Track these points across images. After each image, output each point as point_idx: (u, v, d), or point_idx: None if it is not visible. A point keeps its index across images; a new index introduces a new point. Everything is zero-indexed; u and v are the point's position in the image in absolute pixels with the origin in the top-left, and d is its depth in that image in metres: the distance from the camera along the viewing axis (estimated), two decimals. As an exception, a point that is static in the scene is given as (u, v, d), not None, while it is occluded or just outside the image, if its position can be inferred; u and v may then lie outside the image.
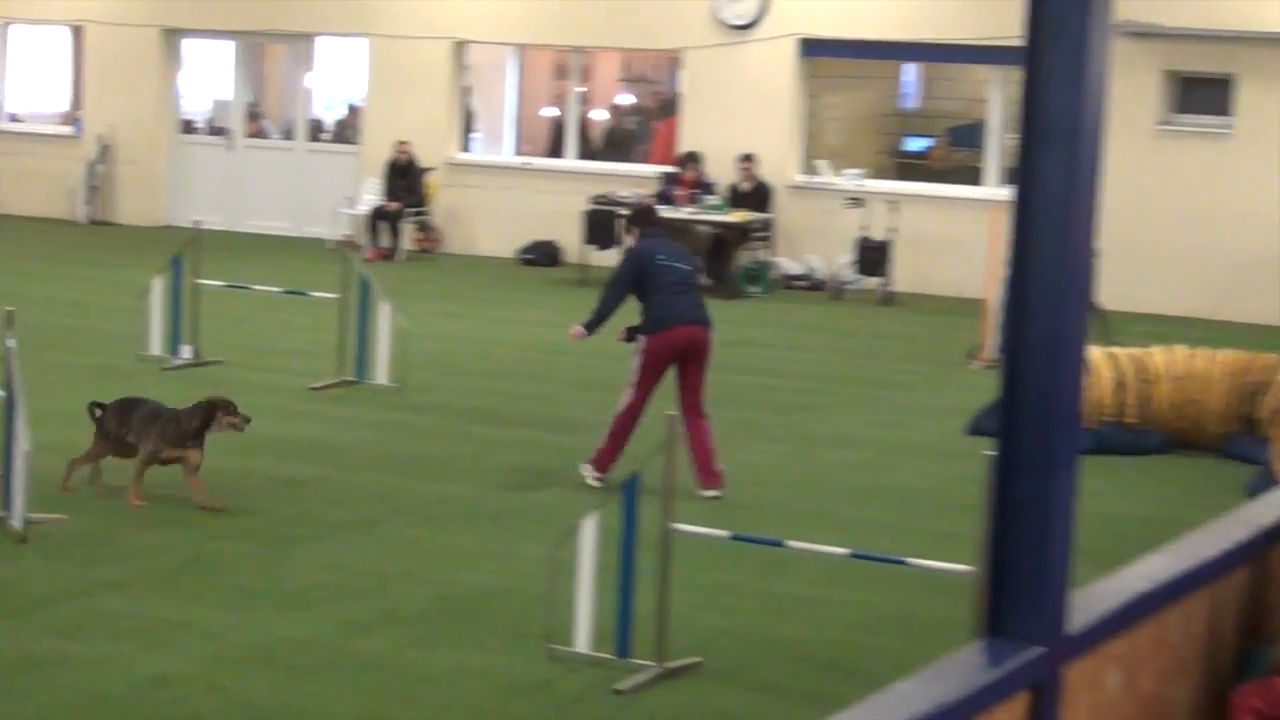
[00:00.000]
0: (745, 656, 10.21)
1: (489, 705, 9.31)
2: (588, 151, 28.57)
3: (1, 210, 30.49)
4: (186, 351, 17.72)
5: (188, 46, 30.50)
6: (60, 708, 9.04)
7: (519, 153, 28.73)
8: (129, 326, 18.12)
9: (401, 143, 27.21)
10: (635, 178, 26.68)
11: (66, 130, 31.02)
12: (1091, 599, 6.86)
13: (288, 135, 30.18)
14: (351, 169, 28.70)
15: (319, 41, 29.66)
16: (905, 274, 24.60)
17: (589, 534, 9.82)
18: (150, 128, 29.92)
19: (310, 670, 9.70)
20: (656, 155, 28.22)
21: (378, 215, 27.22)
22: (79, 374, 16.78)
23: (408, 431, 15.45)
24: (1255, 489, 13.23)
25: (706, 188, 25.28)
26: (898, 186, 25.93)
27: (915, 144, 28.52)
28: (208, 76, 30.93)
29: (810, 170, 26.37)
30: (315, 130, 30.24)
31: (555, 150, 28.63)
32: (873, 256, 24.56)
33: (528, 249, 27.20)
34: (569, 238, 26.36)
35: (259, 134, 30.34)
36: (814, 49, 26.17)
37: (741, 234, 24.87)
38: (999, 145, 25.75)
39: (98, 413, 12.99)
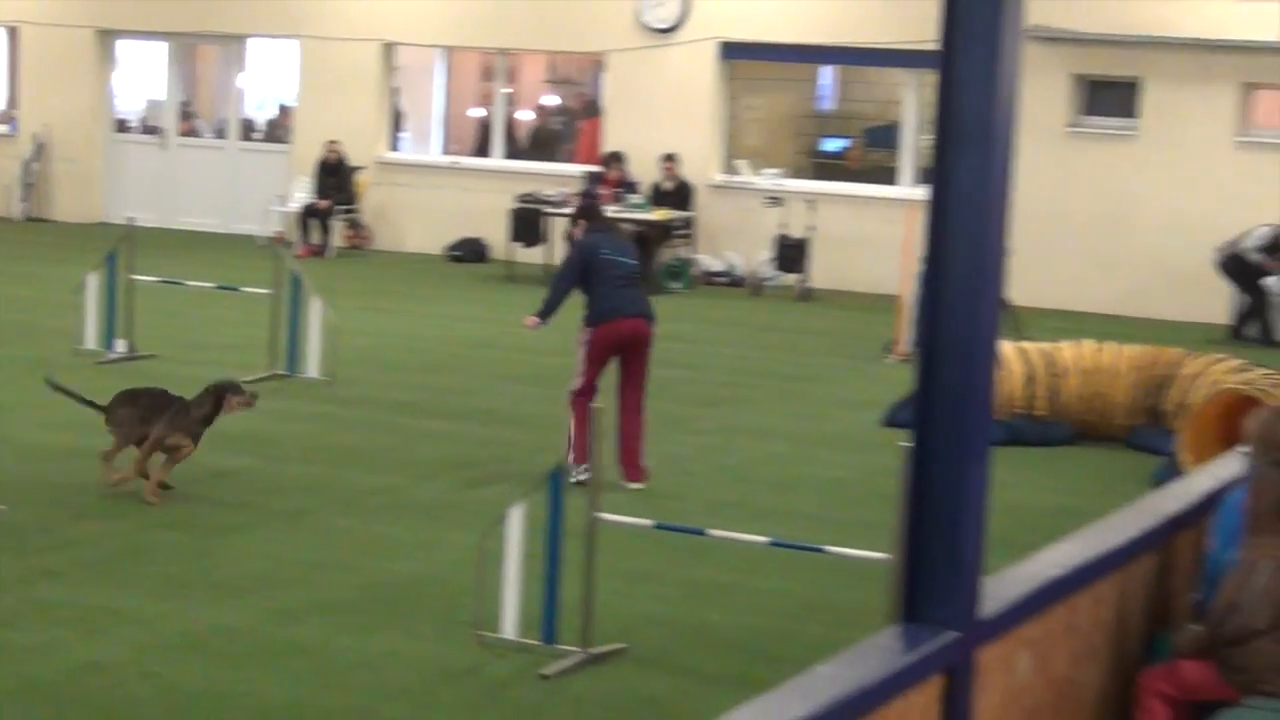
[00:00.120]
0: (669, 642, 10.22)
1: (419, 691, 9.29)
2: (514, 151, 28.53)
3: (-62, 207, 30.27)
4: (121, 345, 17.63)
5: (122, 47, 30.31)
6: (-2, 694, 9.01)
7: (446, 152, 28.68)
8: (65, 321, 18.00)
9: (332, 142, 27.11)
10: (560, 177, 26.65)
11: (2, 129, 30.77)
12: (1003, 585, 6.89)
13: (220, 134, 30.04)
14: (282, 167, 28.59)
15: (250, 43, 29.53)
16: (822, 271, 24.66)
17: (516, 523, 9.81)
18: (85, 126, 29.72)
19: (242, 657, 9.66)
20: (581, 155, 28.21)
21: (308, 213, 27.13)
22: (16, 368, 16.65)
23: (338, 424, 15.41)
24: (1160, 479, 13.32)
25: (630, 187, 25.28)
26: (815, 186, 25.98)
27: (832, 145, 28.57)
28: (141, 76, 30.75)
29: (730, 170, 26.40)
30: (247, 129, 30.10)
31: (482, 150, 28.60)
32: (791, 254, 24.61)
33: (455, 246, 27.15)
34: (496, 235, 26.33)
35: (192, 133, 30.19)
36: (734, 52, 26.20)
37: (664, 232, 24.88)
38: (913, 146, 25.84)
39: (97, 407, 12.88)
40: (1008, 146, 6.10)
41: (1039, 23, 22.19)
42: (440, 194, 27.66)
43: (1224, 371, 15.19)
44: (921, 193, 23.02)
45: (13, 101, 30.98)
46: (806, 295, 24.33)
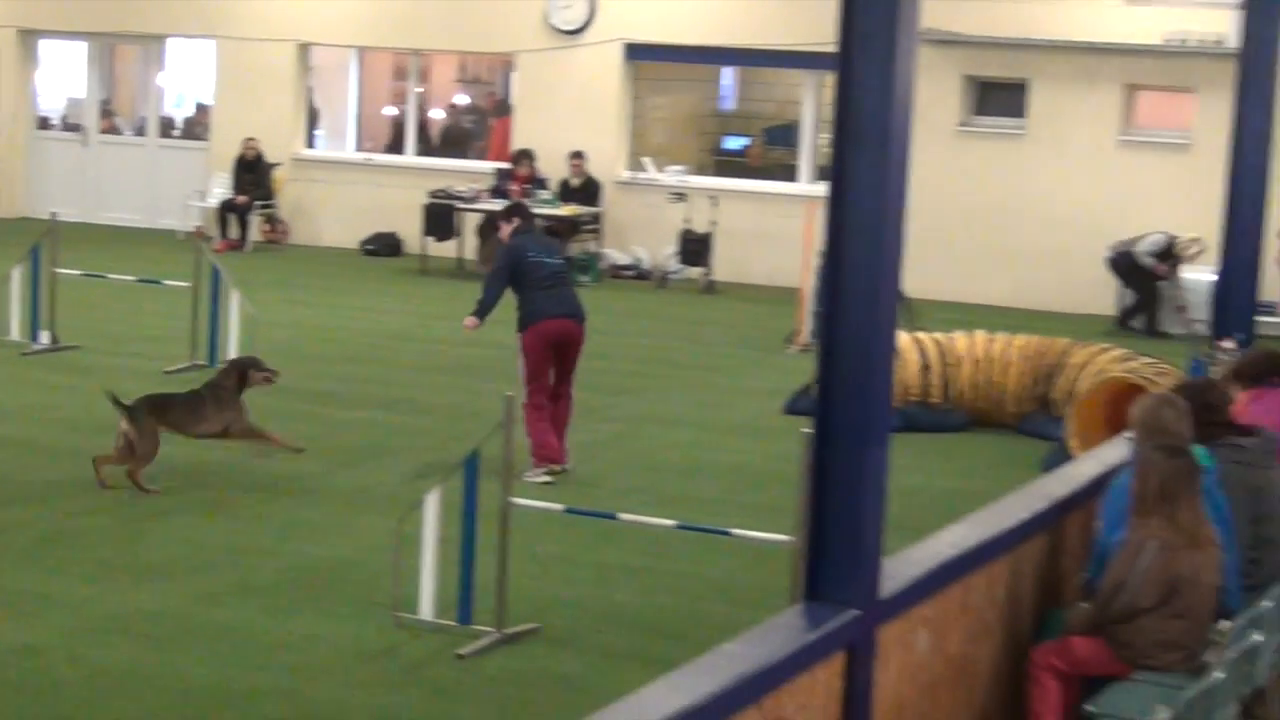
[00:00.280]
0: (580, 622, 10.26)
1: (339, 670, 9.29)
2: (426, 148, 28.44)
3: None
4: (45, 337, 17.51)
5: (44, 47, 30.05)
6: (-72, 677, 8.96)
7: (361, 149, 28.57)
8: (-11, 313, 17.89)
9: (249, 139, 26.96)
10: (471, 173, 26.59)
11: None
12: (901, 566, 6.97)
13: (140, 132, 29.80)
14: (201, 164, 28.39)
15: (169, 43, 29.31)
16: (725, 264, 24.70)
17: (431, 508, 9.83)
18: (7, 124, 29.43)
19: (166, 639, 9.64)
20: (492, 152, 28.16)
21: (227, 208, 26.96)
22: (-59, 359, 16.57)
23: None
24: (1050, 464, 13.43)
25: (539, 183, 25.25)
26: (717, 183, 26.02)
27: (733, 143, 28.62)
28: (63, 75, 30.48)
29: (636, 167, 26.40)
30: (166, 127, 29.88)
31: (396, 147, 28.50)
32: (695, 248, 24.66)
33: (370, 240, 27.05)
34: (409, 229, 26.24)
35: (112, 130, 29.93)
36: (638, 53, 26.20)
37: (572, 226, 24.87)
38: (811, 144, 25.91)
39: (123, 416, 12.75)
40: (903, 145, 6.17)
41: (932, 26, 22.28)
42: (355, 190, 27.55)
43: (1109, 361, 15.33)
44: (820, 189, 23.10)
45: (-64, 99, 30.69)
46: (710, 288, 24.38)
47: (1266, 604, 7.28)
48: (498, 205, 24.63)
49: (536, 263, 13.50)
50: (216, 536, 11.58)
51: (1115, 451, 9.55)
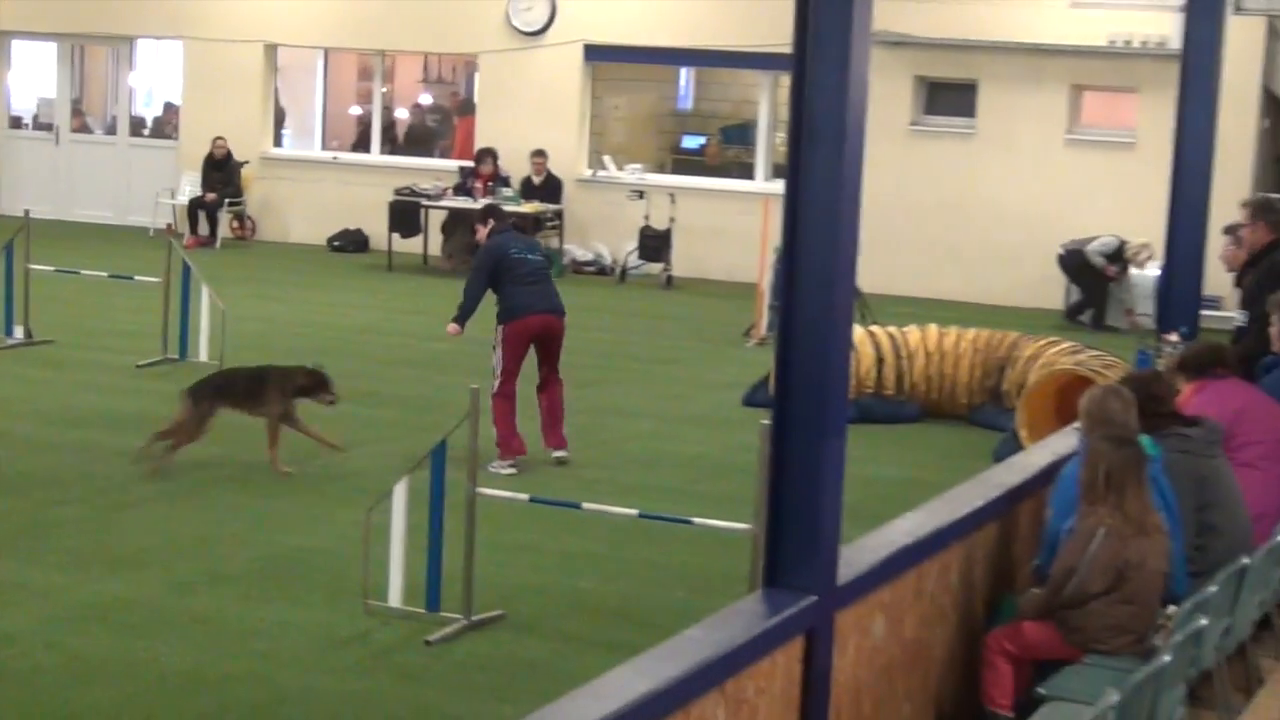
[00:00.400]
0: (545, 609, 10.27)
1: (310, 656, 9.30)
2: (392, 147, 28.41)
3: None
4: (19, 332, 17.47)
5: (15, 47, 29.93)
6: (-93, 665, 8.94)
7: (327, 148, 28.52)
8: (-37, 309, 17.82)
9: (217, 138, 26.88)
10: (436, 171, 26.57)
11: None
12: (858, 553, 7.00)
13: (110, 131, 29.69)
14: (171, 162, 28.30)
15: (138, 43, 29.22)
16: (684, 260, 24.72)
17: (400, 498, 9.84)
18: (-20, 124, 29.34)
19: (141, 627, 9.63)
20: (456, 151, 28.14)
21: (196, 205, 26.88)
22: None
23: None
24: (1001, 454, 13.49)
25: (502, 181, 25.24)
26: (676, 180, 26.04)
27: (691, 142, 28.61)
28: (34, 75, 30.35)
29: (596, 165, 26.40)
30: (136, 126, 29.78)
31: (361, 146, 28.45)
32: (654, 244, 24.68)
33: (336, 237, 27.00)
34: (375, 226, 26.20)
35: (83, 129, 29.80)
36: (598, 54, 26.20)
37: (535, 223, 24.83)
38: (767, 143, 25.95)
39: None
40: (858, 144, 6.19)
41: (884, 28, 22.35)
42: (322, 188, 27.49)
43: (1058, 354, 15.39)
44: (775, 187, 23.14)
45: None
46: (669, 283, 24.39)
47: (1212, 589, 7.32)
48: (462, 202, 24.85)
49: (520, 259, 13.52)
50: (190, 526, 11.57)
51: (1064, 441, 9.60)
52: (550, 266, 13.96)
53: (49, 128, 29.65)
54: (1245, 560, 7.80)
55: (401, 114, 29.89)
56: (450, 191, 25.36)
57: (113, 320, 19.22)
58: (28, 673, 8.92)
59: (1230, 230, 11.95)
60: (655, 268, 24.74)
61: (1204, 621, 6.99)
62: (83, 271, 19.18)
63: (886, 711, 7.26)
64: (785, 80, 24.07)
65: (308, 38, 27.66)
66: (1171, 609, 7.72)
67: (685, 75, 29.28)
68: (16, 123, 30.15)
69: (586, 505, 10.59)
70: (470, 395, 9.67)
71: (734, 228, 24.56)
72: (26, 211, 18.54)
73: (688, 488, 13.16)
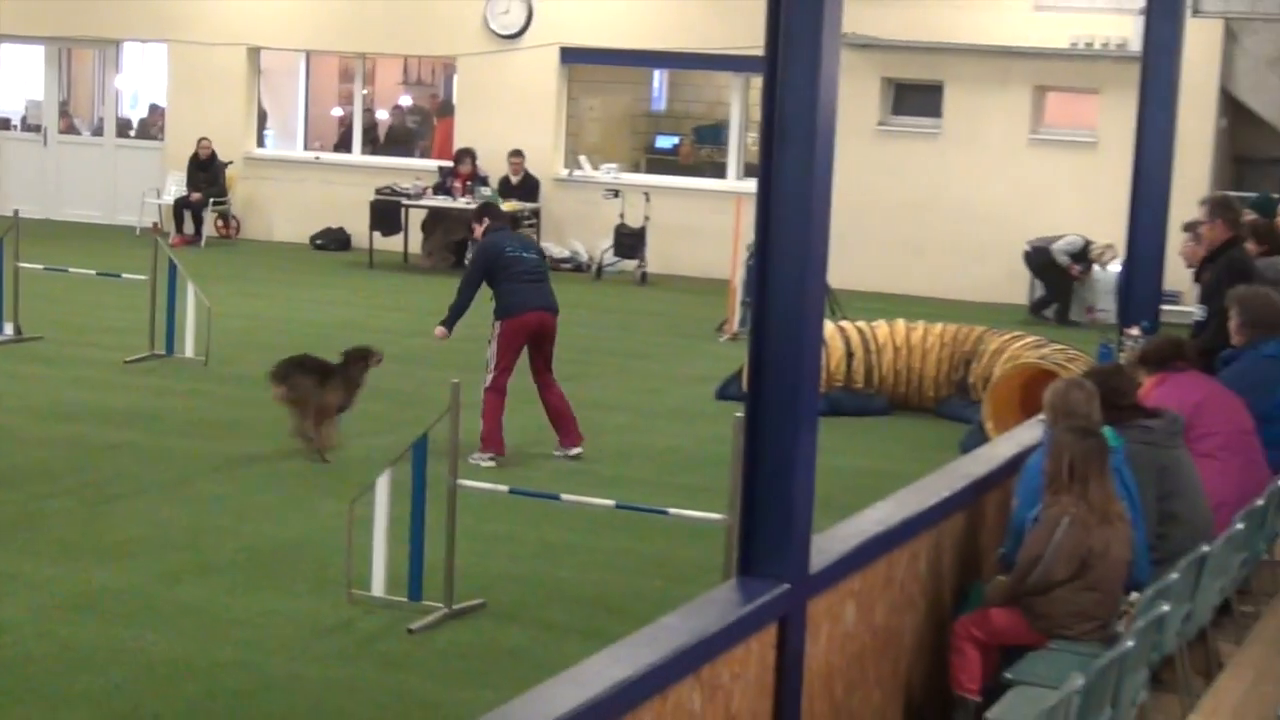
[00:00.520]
0: (524, 597, 10.27)
1: (295, 644, 9.29)
2: (373, 147, 28.38)
3: None
4: (9, 328, 17.43)
5: (3, 50, 29.85)
6: (-99, 654, 8.91)
7: (309, 148, 28.48)
8: (-46, 307, 17.76)
9: (202, 139, 26.83)
10: (416, 171, 26.55)
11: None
12: (830, 542, 7.01)
13: (97, 132, 29.61)
14: (156, 163, 28.24)
15: (124, 46, 29.15)
16: (658, 257, 24.73)
17: (383, 490, 9.83)
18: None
19: (131, 616, 9.61)
20: (435, 151, 28.11)
21: (182, 205, 26.82)
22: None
23: (214, 400, 15.31)
24: (967, 445, 13.51)
25: (480, 180, 25.22)
26: (650, 179, 26.05)
27: (665, 142, 28.64)
28: (22, 78, 30.27)
29: (572, 165, 26.38)
30: (123, 127, 29.70)
31: (343, 146, 28.41)
32: (629, 242, 24.68)
33: (319, 235, 26.96)
34: (357, 225, 26.17)
35: (71, 130, 29.71)
36: (574, 57, 26.19)
37: (513, 222, 24.74)
38: (738, 143, 25.95)
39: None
40: (828, 143, 6.19)
41: (853, 31, 22.37)
42: (304, 187, 27.45)
43: (1023, 348, 15.42)
44: (747, 185, 23.16)
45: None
46: (644, 280, 24.39)
47: (1173, 576, 7.34)
48: (441, 201, 24.84)
49: (515, 257, 13.47)
50: (177, 518, 11.55)
51: (1029, 433, 9.62)
52: (545, 264, 13.85)
53: (37, 129, 29.56)
54: (1205, 548, 7.82)
55: (382, 115, 29.85)
56: (430, 191, 25.36)
57: (101, 317, 19.18)
58: (20, 661, 8.90)
59: (1189, 227, 12.00)
60: (630, 265, 24.74)
61: (1165, 608, 7.02)
62: (71, 269, 19.12)
63: (858, 696, 7.28)
64: (756, 82, 24.14)
65: (290, 41, 27.61)
66: (1134, 595, 7.75)
67: (659, 77, 29.30)
68: (5, 124, 30.09)
69: (565, 496, 10.60)
70: (451, 390, 9.67)
71: (707, 226, 24.56)
72: (16, 211, 18.50)
73: (663, 479, 13.17)
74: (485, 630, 9.64)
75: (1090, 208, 22.43)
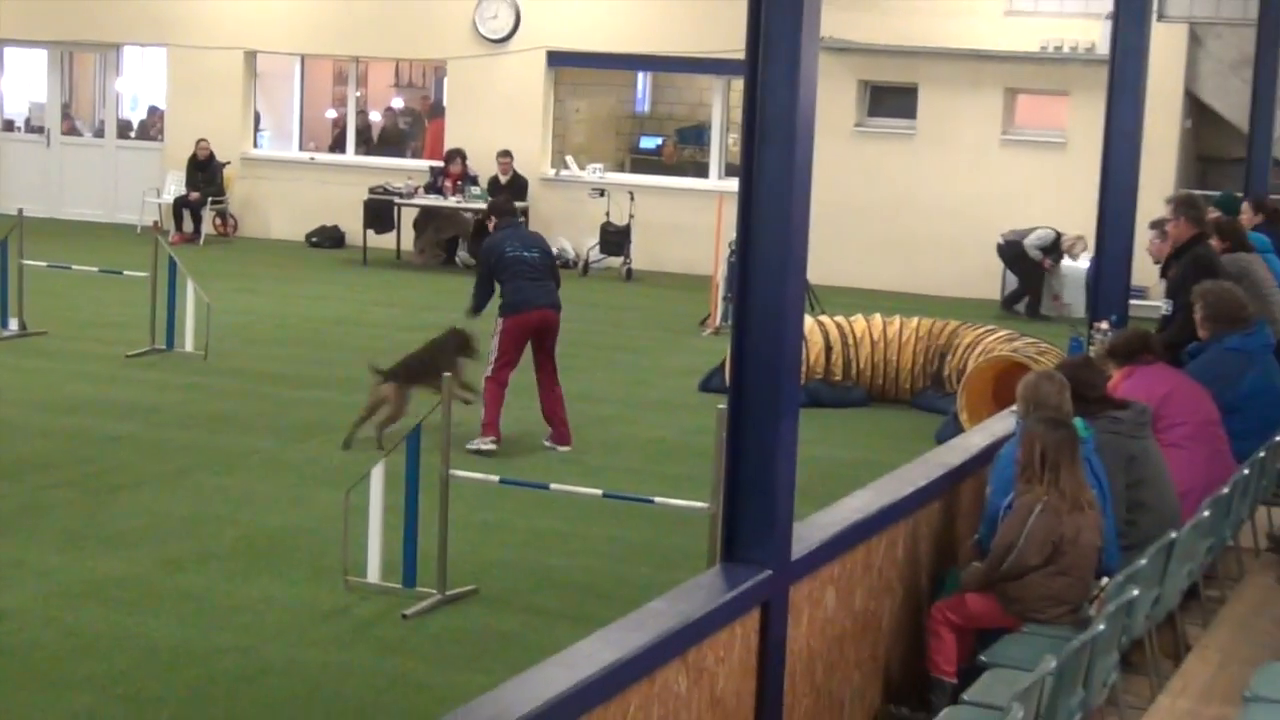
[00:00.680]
0: (515, 584, 10.27)
1: (293, 630, 9.28)
2: (366, 148, 28.33)
3: None
4: (14, 324, 17.39)
5: (8, 54, 29.76)
6: (-89, 640, 8.89)
7: (304, 149, 28.43)
8: (-39, 303, 17.72)
9: (200, 140, 26.78)
10: (408, 171, 26.50)
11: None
12: (811, 530, 7.01)
13: (98, 133, 29.53)
14: (156, 163, 28.18)
15: (125, 50, 29.08)
16: (643, 254, 24.72)
17: (378, 480, 9.83)
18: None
19: (133, 602, 9.60)
20: (426, 151, 28.06)
21: (181, 204, 26.76)
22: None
23: (213, 393, 15.28)
24: (943, 436, 13.53)
25: (470, 180, 25.20)
26: (635, 179, 26.02)
27: (649, 142, 28.63)
28: (25, 81, 30.20)
29: (559, 165, 26.36)
30: (123, 129, 29.62)
31: (337, 147, 28.37)
32: (615, 239, 24.66)
33: (314, 233, 26.92)
34: (351, 223, 26.16)
35: (73, 132, 29.63)
36: (560, 60, 26.17)
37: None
38: (720, 143, 25.95)
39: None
40: (807, 144, 6.19)
41: (831, 35, 22.38)
42: (300, 186, 27.40)
43: (996, 341, 15.43)
44: (728, 185, 23.16)
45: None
46: (629, 276, 24.38)
47: (1142, 562, 7.35)
48: (432, 200, 24.84)
49: (515, 257, 13.44)
50: (178, 507, 11.53)
51: (1002, 424, 9.63)
52: (548, 262, 13.78)
53: (40, 131, 29.49)
54: (1173, 534, 7.83)
55: (375, 116, 29.79)
56: (421, 190, 25.34)
57: (103, 313, 19.14)
58: (26, 646, 8.88)
59: (1156, 225, 12.00)
60: (616, 261, 24.73)
61: (1135, 592, 7.03)
62: (74, 267, 19.10)
63: (838, 678, 7.28)
64: (737, 84, 24.11)
65: (286, 44, 27.56)
66: (1104, 580, 7.77)
67: (643, 80, 29.29)
68: (9, 126, 30.00)
69: (554, 486, 10.61)
70: (444, 383, 9.67)
71: (690, 223, 24.56)
72: (20, 210, 18.44)
73: (649, 469, 13.16)
74: (478, 615, 9.64)
75: (1060, 206, 22.45)
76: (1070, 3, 23.21)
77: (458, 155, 25.42)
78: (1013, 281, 22.68)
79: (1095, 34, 22.38)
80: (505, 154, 25.32)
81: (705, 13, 24.43)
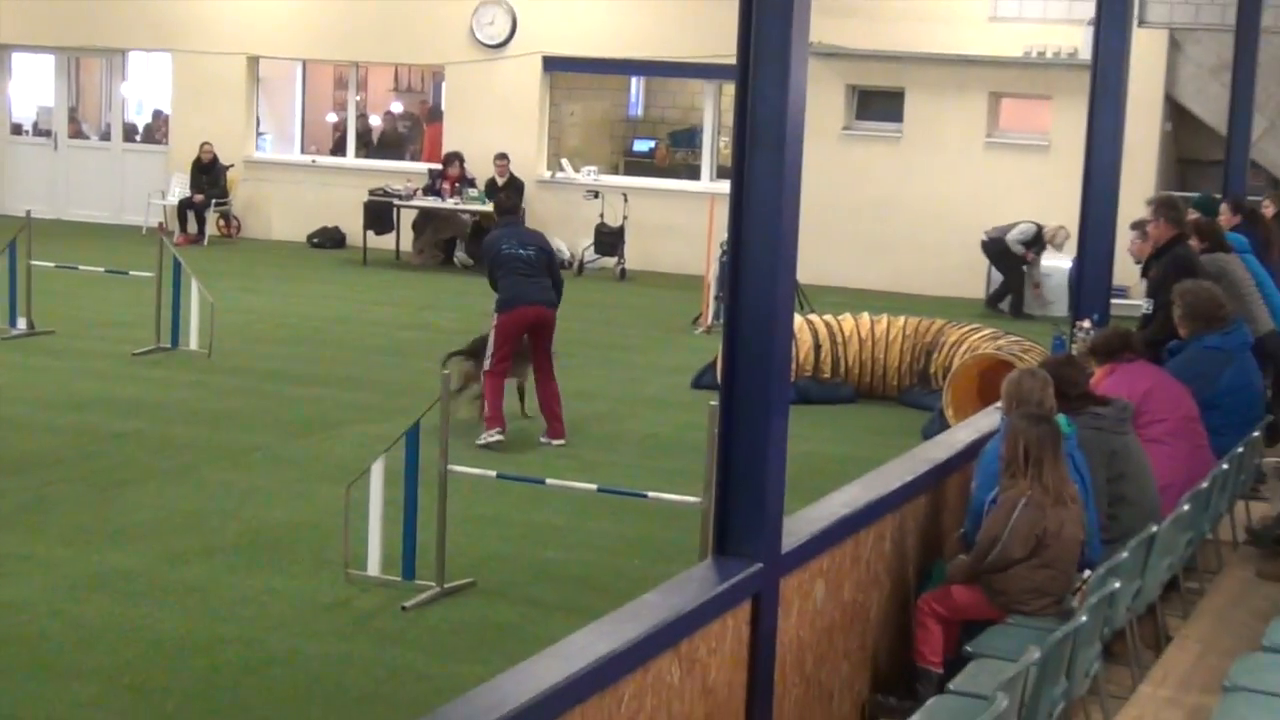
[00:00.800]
0: (512, 576, 10.25)
1: (296, 622, 9.27)
2: (366, 151, 28.31)
3: None
4: (22, 323, 17.38)
5: (16, 60, 29.73)
6: (-79, 632, 8.88)
7: (305, 152, 28.41)
8: (-30, 303, 17.70)
9: (204, 143, 26.77)
10: (407, 173, 26.49)
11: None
12: (801, 524, 7.01)
13: (105, 137, 29.49)
14: (161, 166, 28.16)
15: (130, 55, 29.05)
16: (636, 255, 24.72)
17: (377, 475, 9.81)
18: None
19: (139, 595, 9.58)
20: (425, 154, 28.08)
21: (185, 205, 26.75)
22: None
23: (216, 390, 15.27)
24: (929, 432, 13.52)
25: (468, 182, 25.20)
26: (628, 181, 26.02)
27: (642, 145, 28.61)
28: (33, 86, 30.17)
29: (555, 167, 26.35)
30: (129, 132, 29.58)
31: (338, 150, 28.35)
32: (609, 240, 24.67)
33: (315, 234, 26.91)
34: (351, 224, 26.17)
35: (79, 135, 29.61)
36: (555, 65, 26.16)
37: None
38: (712, 146, 25.95)
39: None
40: (797, 147, 6.18)
41: (820, 40, 22.38)
42: (301, 189, 27.39)
43: (980, 339, 15.44)
44: (720, 187, 23.14)
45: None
46: (623, 276, 24.39)
47: (1123, 555, 7.36)
48: (431, 202, 24.83)
49: (510, 254, 13.48)
50: (182, 502, 11.52)
51: (987, 420, 9.63)
52: (541, 260, 13.72)
53: (48, 134, 29.46)
54: (1154, 528, 7.84)
55: (375, 120, 29.77)
56: (420, 192, 25.34)
57: (109, 312, 19.11)
58: (33, 638, 8.87)
59: (1137, 226, 11.99)
60: (610, 262, 24.73)
61: (1117, 584, 7.03)
62: (80, 267, 19.08)
63: (827, 669, 7.28)
64: (728, 89, 24.12)
65: (287, 50, 27.55)
66: (1087, 573, 7.77)
67: (636, 84, 29.27)
68: (17, 130, 29.95)
69: (550, 481, 10.61)
70: (441, 380, 9.67)
71: (682, 225, 24.57)
72: (28, 212, 18.45)
73: (643, 464, 13.15)
74: (475, 608, 9.63)
75: (1043, 207, 22.44)
76: (1053, 9, 23.23)
77: (456, 158, 25.41)
78: (997, 280, 22.69)
79: (1077, 39, 22.39)
80: (502, 157, 25.31)
81: (697, 19, 24.43)
